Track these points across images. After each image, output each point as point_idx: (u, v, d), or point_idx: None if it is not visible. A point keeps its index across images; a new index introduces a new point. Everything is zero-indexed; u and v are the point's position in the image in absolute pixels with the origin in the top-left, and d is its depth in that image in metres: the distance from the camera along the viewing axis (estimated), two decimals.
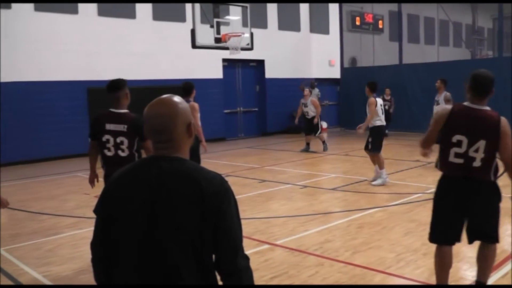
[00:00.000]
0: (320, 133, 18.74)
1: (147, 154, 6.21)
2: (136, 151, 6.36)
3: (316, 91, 24.25)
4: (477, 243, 5.54)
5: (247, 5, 17.32)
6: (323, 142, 18.88)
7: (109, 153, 6.36)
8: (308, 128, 18.73)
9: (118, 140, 6.29)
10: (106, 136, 6.34)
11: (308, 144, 18.92)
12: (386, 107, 22.06)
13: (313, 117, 18.34)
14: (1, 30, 16.97)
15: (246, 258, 2.61)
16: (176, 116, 2.59)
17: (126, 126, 6.29)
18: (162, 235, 2.47)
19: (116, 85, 6.41)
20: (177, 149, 2.62)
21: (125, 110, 6.43)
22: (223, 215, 2.52)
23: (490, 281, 5.94)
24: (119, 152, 6.30)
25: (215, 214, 2.49)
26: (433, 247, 7.20)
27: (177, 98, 2.66)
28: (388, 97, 22.41)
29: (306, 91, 18.89)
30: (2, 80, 17.04)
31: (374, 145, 12.43)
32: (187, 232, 2.46)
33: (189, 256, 2.46)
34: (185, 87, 10.86)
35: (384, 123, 12.76)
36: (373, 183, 12.17)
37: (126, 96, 6.50)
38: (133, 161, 6.29)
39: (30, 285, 6.47)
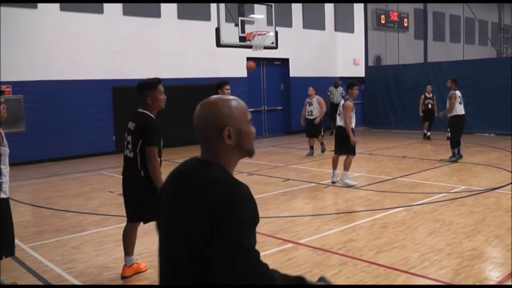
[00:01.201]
0: (322, 135, 17.85)
1: (149, 160, 6.12)
2: (139, 152, 6.17)
3: (340, 90, 24.17)
4: (502, 243, 5.48)
5: (272, 4, 17.32)
6: (321, 143, 17.81)
7: (125, 151, 6.39)
8: (310, 129, 17.62)
9: (128, 139, 6.29)
10: (126, 134, 6.37)
11: (312, 147, 17.70)
12: (429, 105, 21.56)
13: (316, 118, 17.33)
14: (27, 29, 17.17)
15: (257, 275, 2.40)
16: (210, 118, 2.54)
17: (134, 125, 6.23)
18: (172, 238, 2.50)
19: (139, 86, 6.37)
20: (213, 153, 2.56)
21: (144, 110, 6.31)
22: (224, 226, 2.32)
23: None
24: (127, 151, 6.31)
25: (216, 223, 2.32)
26: (457, 248, 7.18)
27: (219, 99, 2.59)
28: (429, 95, 21.41)
29: (310, 89, 17.87)
30: (28, 79, 17.22)
31: (347, 147, 12.36)
32: (189, 236, 2.39)
33: (189, 260, 2.41)
34: (216, 85, 11.43)
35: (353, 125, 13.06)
36: (345, 181, 12.21)
37: (146, 97, 6.28)
38: (136, 162, 6.20)
39: (55, 285, 6.52)
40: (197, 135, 2.57)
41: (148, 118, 6.24)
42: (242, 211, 2.34)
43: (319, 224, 8.78)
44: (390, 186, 11.95)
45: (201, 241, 2.32)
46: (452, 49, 31.01)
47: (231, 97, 2.60)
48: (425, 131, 21.65)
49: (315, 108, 17.46)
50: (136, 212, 6.41)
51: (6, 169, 5.76)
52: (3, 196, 5.71)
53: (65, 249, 7.80)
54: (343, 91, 24.30)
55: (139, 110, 6.36)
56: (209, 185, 2.39)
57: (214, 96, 2.60)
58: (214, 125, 2.51)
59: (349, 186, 11.93)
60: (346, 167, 12.24)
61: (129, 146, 6.27)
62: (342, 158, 12.37)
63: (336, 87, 24.54)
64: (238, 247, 2.32)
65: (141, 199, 6.26)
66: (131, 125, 6.30)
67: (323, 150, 17.75)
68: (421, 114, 21.35)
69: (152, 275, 6.57)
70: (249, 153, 2.68)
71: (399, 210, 9.61)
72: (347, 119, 12.18)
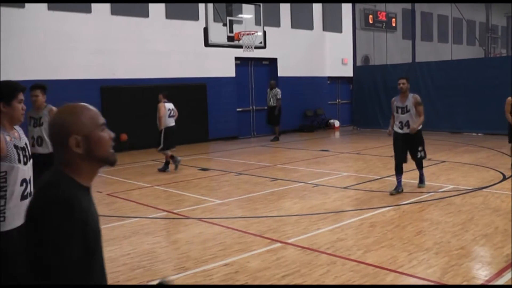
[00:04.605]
0: (162, 149, 14.59)
1: None
2: None
3: (274, 92, 22.71)
4: (490, 242, 5.48)
5: (260, 3, 17.33)
6: (172, 157, 14.75)
7: None
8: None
9: None
10: None
11: (166, 163, 14.94)
12: None
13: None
14: (14, 29, 17.08)
15: None
16: (56, 127, 2.47)
17: None
18: None
19: None
20: (62, 163, 2.47)
21: None
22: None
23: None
24: None
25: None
26: (445, 247, 7.20)
27: (66, 107, 2.51)
28: None
29: (160, 96, 14.89)
30: (15, 79, 17.12)
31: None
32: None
33: None
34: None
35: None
36: None
37: None
38: None
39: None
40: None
41: None
42: (52, 222, 2.25)
43: (308, 224, 8.78)
44: (379, 185, 11.97)
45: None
46: (440, 49, 31.13)
47: (79, 103, 2.49)
48: None
49: (157, 117, 14.81)
50: None
51: (12, 190, 4.27)
52: (1, 229, 4.19)
53: None
54: (279, 93, 22.78)
55: None
56: (35, 194, 2.40)
57: (62, 106, 2.51)
58: (60, 133, 2.42)
59: None
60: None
61: None
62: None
63: (271, 88, 22.81)
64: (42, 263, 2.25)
65: None
66: None
67: (176, 167, 14.85)
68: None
69: (140, 275, 6.54)
70: (106, 161, 2.52)
71: (387, 209, 9.63)
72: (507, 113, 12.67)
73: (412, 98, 11.02)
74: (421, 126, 10.97)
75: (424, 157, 11.27)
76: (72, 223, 2.25)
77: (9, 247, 4.11)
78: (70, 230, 2.24)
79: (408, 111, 10.90)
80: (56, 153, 2.46)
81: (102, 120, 2.50)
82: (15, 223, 4.15)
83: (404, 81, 11.15)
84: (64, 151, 2.42)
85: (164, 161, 15.00)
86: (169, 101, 14.78)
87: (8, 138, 4.27)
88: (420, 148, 11.08)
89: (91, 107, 2.50)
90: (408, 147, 11.07)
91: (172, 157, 14.80)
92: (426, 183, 11.76)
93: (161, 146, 14.53)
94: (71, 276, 2.23)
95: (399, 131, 11.01)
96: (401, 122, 10.96)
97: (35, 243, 2.25)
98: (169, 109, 14.61)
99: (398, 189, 10.89)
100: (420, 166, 11.36)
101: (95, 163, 2.48)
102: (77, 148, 2.39)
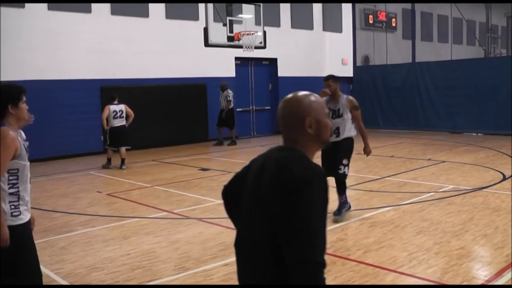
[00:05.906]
0: (107, 146, 15.86)
1: None
2: None
3: (225, 93, 20.96)
4: (490, 242, 5.48)
5: (260, 3, 17.32)
6: (109, 159, 15.89)
7: None
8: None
9: None
10: None
11: (109, 160, 15.93)
12: None
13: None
14: (14, 29, 17.06)
15: None
16: (294, 110, 2.85)
17: None
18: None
19: None
20: (293, 141, 2.86)
21: None
22: None
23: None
24: None
25: None
26: (445, 247, 7.19)
27: (301, 94, 2.91)
28: None
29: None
30: (15, 79, 17.13)
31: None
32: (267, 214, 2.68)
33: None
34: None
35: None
36: None
37: None
38: None
39: (43, 285, 6.48)
40: (280, 125, 2.89)
41: None
42: (314, 193, 2.54)
43: None
44: (378, 185, 11.97)
45: (275, 218, 2.57)
46: (440, 49, 31.15)
47: (311, 93, 2.91)
48: None
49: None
50: None
51: (24, 187, 4.62)
52: (19, 222, 4.53)
53: (53, 250, 7.76)
54: (230, 95, 20.94)
55: None
56: (282, 166, 2.68)
57: (295, 92, 2.92)
58: (297, 115, 2.80)
59: None
60: None
61: None
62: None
63: (222, 90, 21.02)
64: (305, 228, 2.48)
65: None
66: None
67: (121, 167, 15.62)
68: None
69: (140, 275, 6.54)
70: (325, 143, 2.90)
71: (387, 209, 9.63)
72: None
73: (346, 101, 9.15)
74: (353, 134, 9.42)
75: (346, 175, 9.11)
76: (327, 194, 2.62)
77: (30, 234, 4.67)
78: (327, 200, 2.62)
79: (340, 115, 9.10)
80: (287, 132, 2.89)
81: (327, 109, 2.93)
82: (27, 217, 4.63)
83: (329, 82, 9.22)
84: (296, 131, 2.82)
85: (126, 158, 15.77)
86: (120, 103, 15.61)
87: (19, 138, 4.61)
88: (345, 162, 9.05)
89: (318, 96, 2.92)
90: (332, 158, 8.94)
91: (109, 159, 15.86)
92: (426, 183, 11.76)
93: (107, 143, 15.77)
94: (324, 240, 2.53)
95: None
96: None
97: (299, 212, 2.51)
98: (114, 111, 15.41)
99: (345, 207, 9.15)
100: (341, 186, 9.09)
101: (317, 144, 2.88)
102: (309, 128, 2.79)
